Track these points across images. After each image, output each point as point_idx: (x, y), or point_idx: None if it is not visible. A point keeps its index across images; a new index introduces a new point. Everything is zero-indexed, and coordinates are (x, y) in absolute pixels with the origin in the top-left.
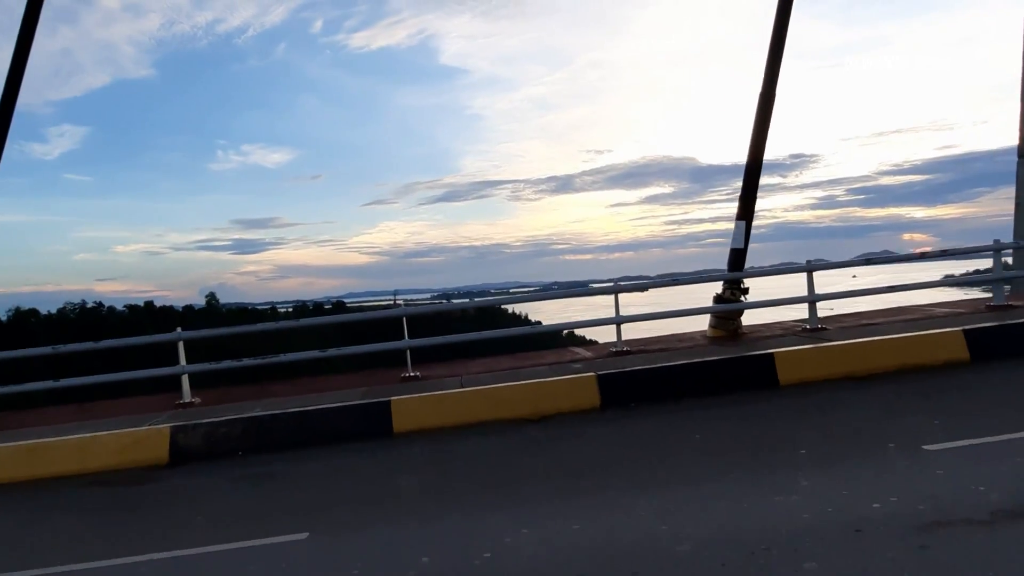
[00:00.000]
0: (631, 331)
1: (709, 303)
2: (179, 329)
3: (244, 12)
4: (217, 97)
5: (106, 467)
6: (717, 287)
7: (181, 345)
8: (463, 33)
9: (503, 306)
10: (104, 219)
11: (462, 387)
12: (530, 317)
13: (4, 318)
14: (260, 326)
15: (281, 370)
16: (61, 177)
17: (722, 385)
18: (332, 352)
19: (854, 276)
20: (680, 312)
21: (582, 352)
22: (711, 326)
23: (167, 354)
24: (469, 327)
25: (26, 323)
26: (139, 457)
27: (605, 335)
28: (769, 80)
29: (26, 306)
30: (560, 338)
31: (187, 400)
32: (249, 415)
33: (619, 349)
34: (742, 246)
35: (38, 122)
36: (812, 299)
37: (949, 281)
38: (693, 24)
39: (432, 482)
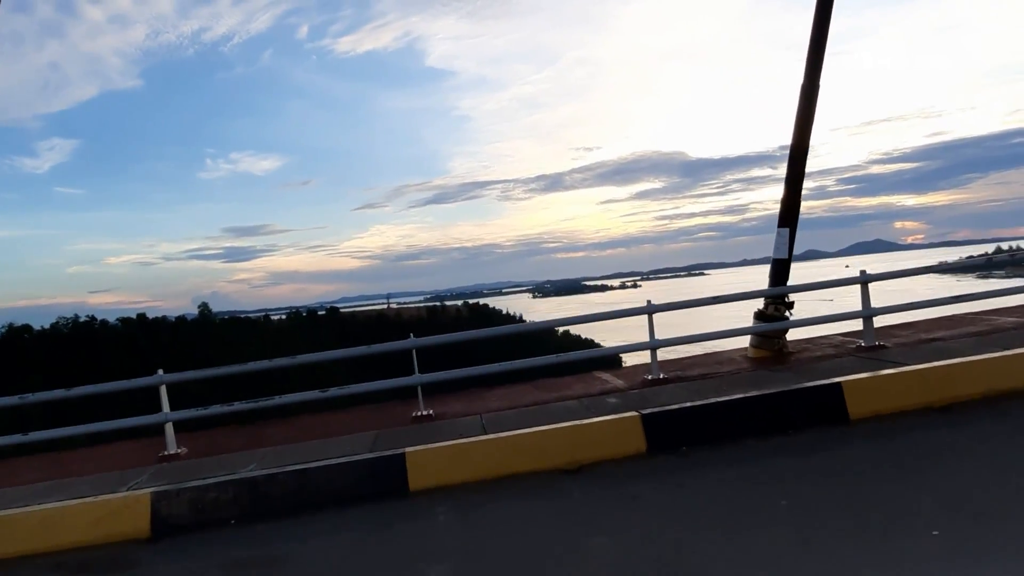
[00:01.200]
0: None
1: (740, 318)
2: (160, 372)
3: (229, 20)
4: (205, 106)
5: (79, 543)
6: (755, 302)
7: (163, 390)
8: (449, 34)
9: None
10: (96, 231)
11: (484, 430)
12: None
13: None
14: (250, 366)
15: (279, 410)
16: (52, 191)
17: (785, 421)
18: (334, 392)
19: (847, 266)
20: (722, 334)
21: (612, 380)
22: (753, 345)
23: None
24: (482, 345)
25: (19, 339)
26: (116, 530)
27: (633, 357)
28: (812, 69)
29: (21, 321)
30: (583, 361)
31: (171, 451)
32: (242, 476)
33: (655, 376)
34: (786, 256)
35: (28, 136)
36: (868, 314)
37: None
38: (680, 19)
39: (464, 570)
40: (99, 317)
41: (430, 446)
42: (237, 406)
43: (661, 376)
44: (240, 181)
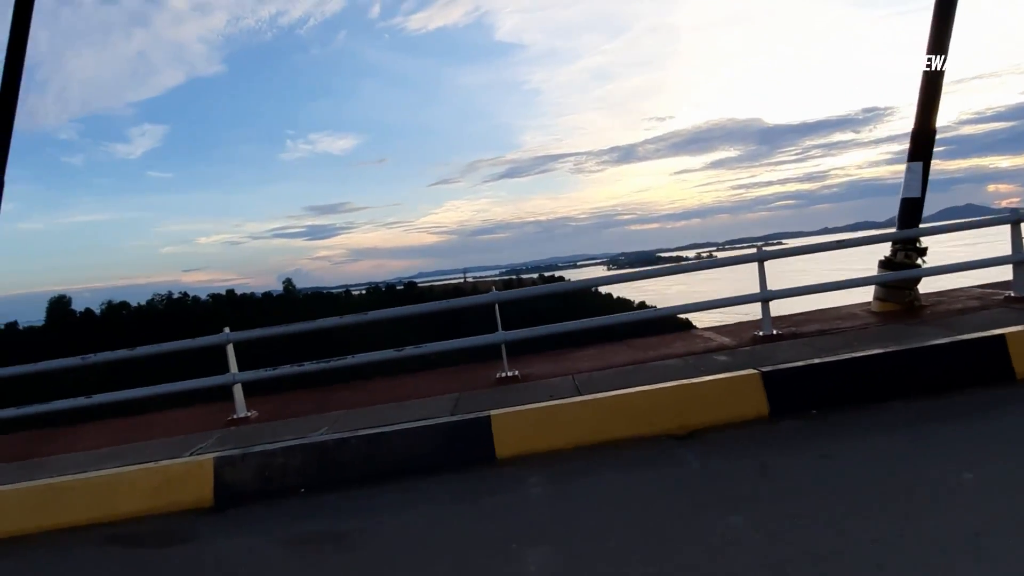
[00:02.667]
0: (753, 311)
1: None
2: (227, 330)
3: (305, 3)
4: (284, 88)
5: (137, 512)
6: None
7: (230, 349)
8: (518, 7)
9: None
10: (186, 212)
11: (578, 391)
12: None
13: (98, 311)
14: (319, 323)
15: (351, 372)
16: (144, 175)
17: (936, 381)
18: (410, 351)
19: None
20: (843, 284)
21: (717, 337)
22: (878, 298)
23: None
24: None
25: (118, 315)
26: (177, 499)
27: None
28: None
29: (120, 299)
30: (675, 321)
31: (240, 415)
32: (311, 440)
33: (768, 333)
34: (918, 194)
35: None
36: (1020, 259)
37: None
38: None
39: (570, 554)
40: (192, 294)
41: (518, 408)
42: (308, 366)
43: (774, 332)
44: (319, 161)
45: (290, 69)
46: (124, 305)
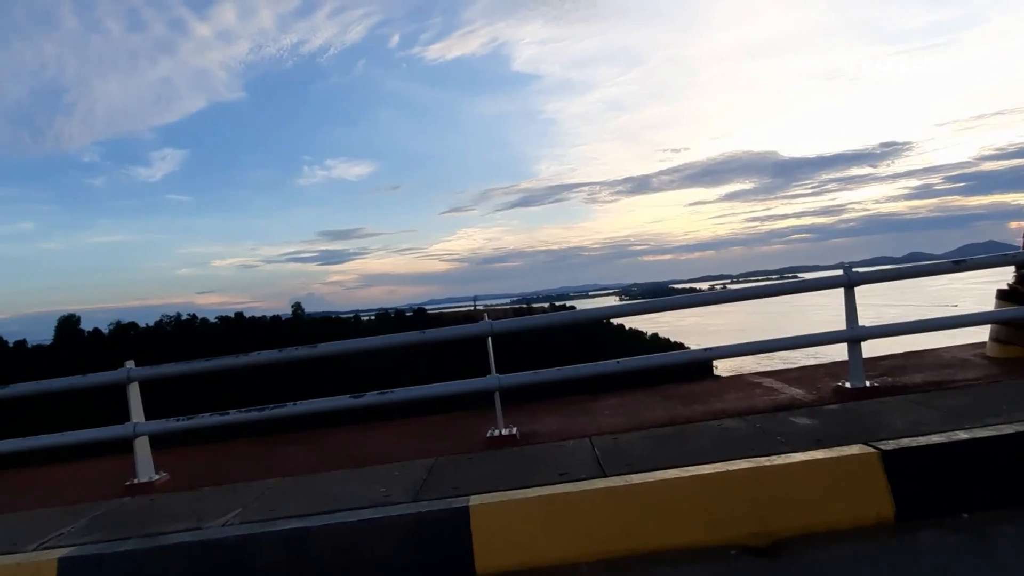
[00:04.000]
0: (823, 353)
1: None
2: (130, 364)
3: (326, 32)
4: (302, 115)
5: None
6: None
7: (132, 390)
8: (535, 39)
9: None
10: (203, 235)
11: (600, 466)
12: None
13: (106, 331)
14: (247, 358)
15: (315, 418)
16: (164, 198)
17: None
18: (371, 399)
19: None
20: (960, 320)
21: (786, 389)
22: (998, 340)
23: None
24: (571, 344)
25: (125, 336)
26: None
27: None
28: None
29: (136, 320)
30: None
31: (143, 479)
32: (207, 536)
33: (857, 385)
34: None
35: (143, 147)
36: None
37: None
38: (770, 13)
39: None
40: (207, 317)
41: (512, 495)
42: (235, 415)
43: (867, 384)
44: (334, 187)
45: (309, 96)
46: (132, 326)
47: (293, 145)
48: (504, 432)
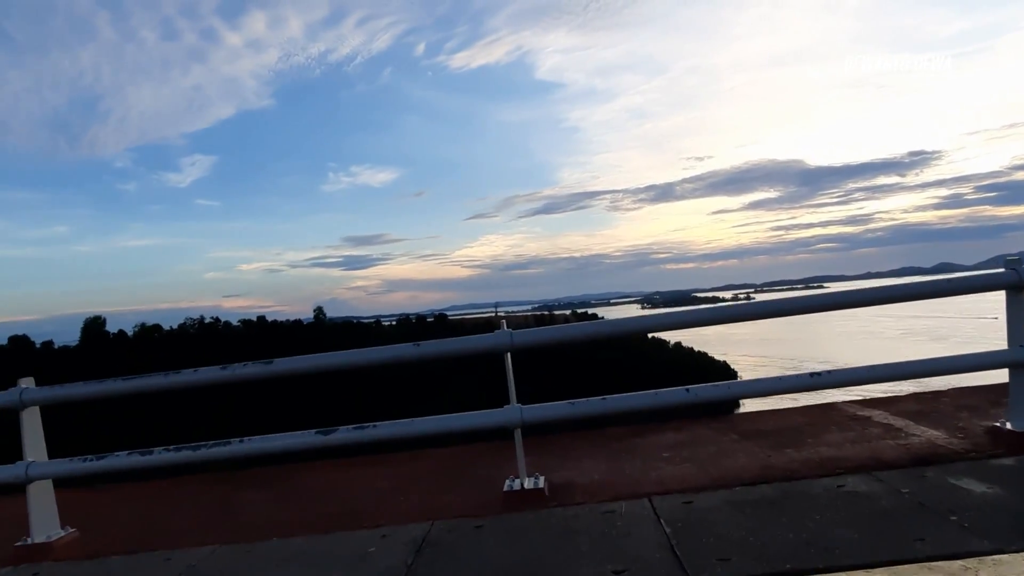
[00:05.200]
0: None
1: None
2: (25, 383)
3: (353, 41)
4: (329, 122)
5: None
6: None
7: (28, 418)
8: (559, 47)
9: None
10: (230, 240)
11: (670, 547)
12: (660, 338)
13: (131, 333)
14: (150, 381)
15: (292, 452)
16: (193, 203)
17: None
18: (342, 436)
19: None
20: None
21: (910, 427)
22: None
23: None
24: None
25: (150, 338)
26: None
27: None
28: None
29: (164, 322)
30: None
31: (37, 539)
32: None
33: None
34: None
35: (174, 153)
36: None
37: None
38: (794, 21)
39: None
40: (233, 320)
41: None
42: (158, 455)
43: None
44: (359, 193)
45: (335, 104)
46: (156, 328)
47: (319, 152)
48: (528, 484)
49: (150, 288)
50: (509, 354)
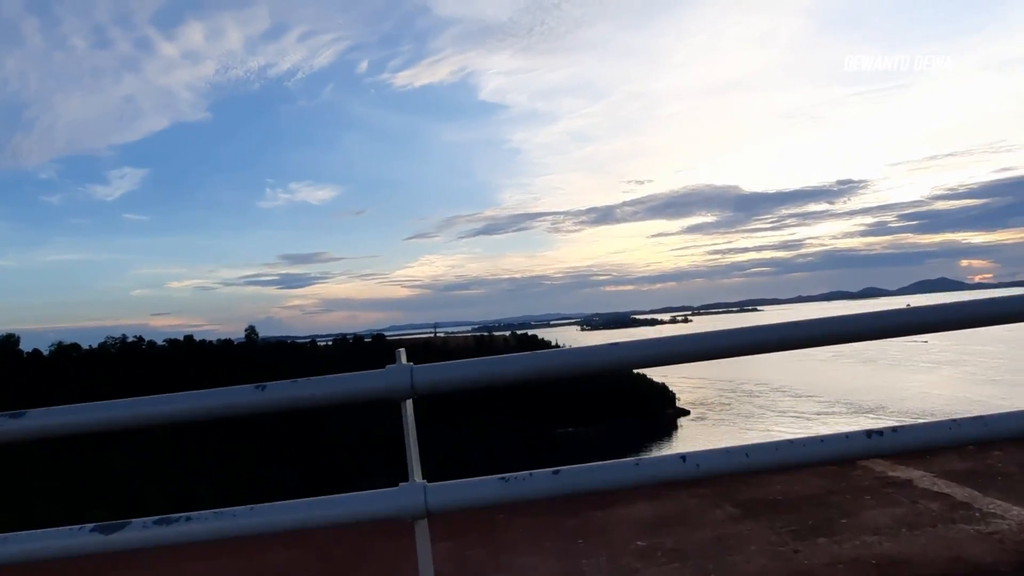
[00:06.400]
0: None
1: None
2: None
3: (294, 56)
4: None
5: None
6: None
7: None
8: (503, 69)
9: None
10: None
11: None
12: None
13: (47, 353)
14: None
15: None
16: (121, 217)
17: None
18: (131, 539)
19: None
20: None
21: (978, 501)
22: None
23: None
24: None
25: (67, 358)
26: None
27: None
28: None
29: (86, 342)
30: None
31: None
32: None
33: None
34: None
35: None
36: None
37: None
38: (731, 52)
39: None
40: (160, 339)
41: None
42: None
43: None
44: (297, 210)
45: (275, 119)
46: (75, 347)
47: (257, 167)
48: None
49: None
50: (410, 403)
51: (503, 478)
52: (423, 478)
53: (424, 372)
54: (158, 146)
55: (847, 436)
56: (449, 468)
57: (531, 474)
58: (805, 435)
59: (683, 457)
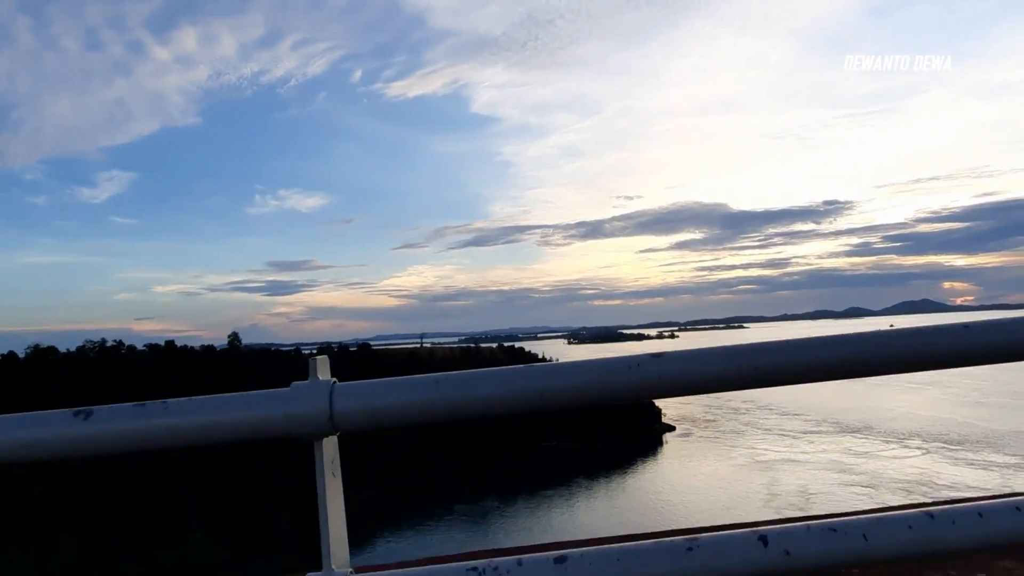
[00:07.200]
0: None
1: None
2: None
3: (288, 63)
4: (258, 144)
5: None
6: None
7: None
8: (496, 83)
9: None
10: (146, 260)
11: None
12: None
13: (22, 355)
14: None
15: None
16: (107, 220)
17: None
18: None
19: (891, 325)
20: None
21: None
22: None
23: None
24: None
25: (44, 362)
26: None
27: None
28: None
29: (71, 344)
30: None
31: None
32: None
33: None
34: None
35: (89, 167)
36: None
37: None
38: (721, 72)
39: None
40: (142, 344)
41: None
42: None
43: None
44: (286, 217)
45: (266, 126)
46: (52, 351)
47: (246, 174)
48: None
49: (56, 308)
50: (331, 442)
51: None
52: (348, 568)
53: (352, 396)
54: (147, 150)
55: None
56: (409, 496)
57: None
58: None
59: None
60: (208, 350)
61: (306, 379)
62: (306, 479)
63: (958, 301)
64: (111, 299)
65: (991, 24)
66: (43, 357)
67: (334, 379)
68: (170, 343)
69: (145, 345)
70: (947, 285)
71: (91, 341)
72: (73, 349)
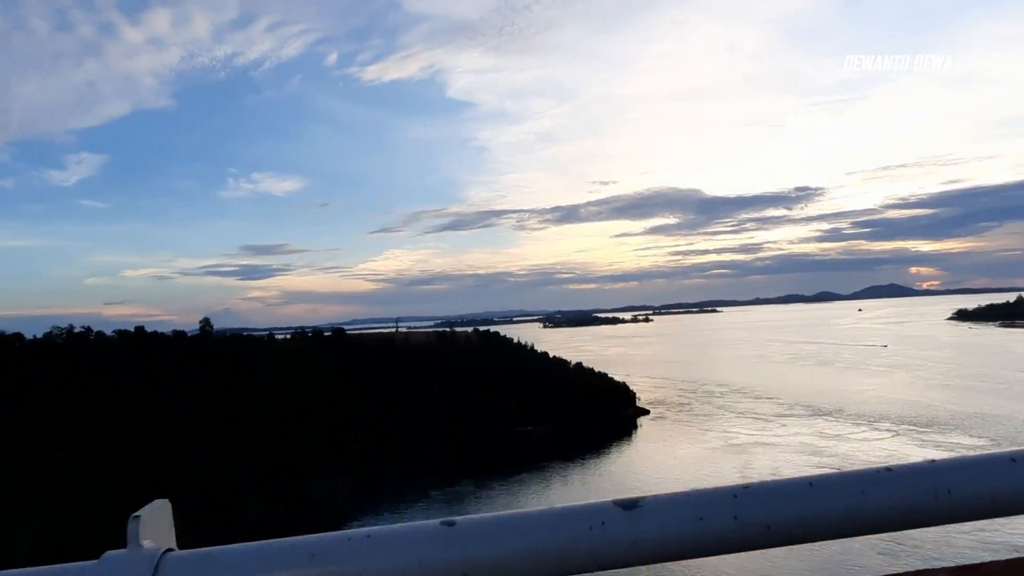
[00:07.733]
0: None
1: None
2: None
3: (262, 46)
4: (232, 127)
5: None
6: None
7: None
8: (472, 68)
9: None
10: (116, 244)
11: None
12: (535, 347)
13: None
14: None
15: None
16: (76, 203)
17: None
18: None
19: (860, 310)
20: None
21: None
22: None
23: None
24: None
25: (8, 349)
26: None
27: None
28: None
29: (33, 331)
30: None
31: None
32: None
33: None
34: None
35: (58, 150)
36: None
37: None
38: (695, 59)
39: None
40: (113, 329)
41: None
42: None
43: None
44: (260, 201)
45: (240, 109)
46: (17, 337)
47: (220, 157)
48: None
49: (23, 293)
50: None
51: None
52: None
53: (187, 569)
54: (118, 132)
55: None
56: (384, 481)
57: None
58: None
59: None
60: (179, 336)
61: (132, 543)
62: None
63: (924, 286)
64: (80, 283)
65: (957, 15)
66: (7, 344)
67: (166, 547)
68: (140, 329)
69: (114, 331)
70: (914, 270)
71: (58, 327)
72: (40, 335)
